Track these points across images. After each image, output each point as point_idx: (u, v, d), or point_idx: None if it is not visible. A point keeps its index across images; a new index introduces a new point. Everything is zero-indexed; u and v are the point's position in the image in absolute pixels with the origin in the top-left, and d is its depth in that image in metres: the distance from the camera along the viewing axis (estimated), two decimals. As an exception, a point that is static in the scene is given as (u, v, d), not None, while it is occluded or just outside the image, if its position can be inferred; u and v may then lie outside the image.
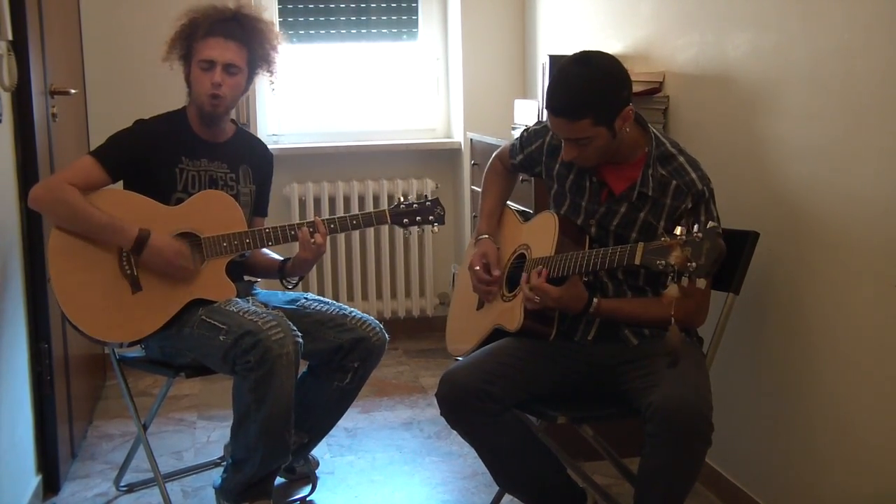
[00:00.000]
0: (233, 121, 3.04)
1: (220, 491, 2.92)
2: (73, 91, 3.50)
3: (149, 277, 2.78)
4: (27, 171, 3.00)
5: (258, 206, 3.09)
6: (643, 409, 2.31)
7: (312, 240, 2.86)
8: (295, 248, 2.89)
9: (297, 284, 3.07)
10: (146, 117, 2.94)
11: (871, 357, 2.41)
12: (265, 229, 2.87)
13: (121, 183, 2.91)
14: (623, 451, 2.92)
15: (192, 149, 2.92)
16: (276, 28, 3.04)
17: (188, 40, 2.89)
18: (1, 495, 2.67)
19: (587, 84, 2.40)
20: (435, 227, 3.06)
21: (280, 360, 2.62)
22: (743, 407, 2.93)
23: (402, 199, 3.03)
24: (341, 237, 4.72)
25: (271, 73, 3.00)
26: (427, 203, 3.02)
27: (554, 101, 2.43)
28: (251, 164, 3.04)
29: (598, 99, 2.40)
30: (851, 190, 2.43)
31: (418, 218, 3.01)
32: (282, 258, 3.05)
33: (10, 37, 2.80)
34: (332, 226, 2.89)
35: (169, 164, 2.87)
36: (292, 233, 2.87)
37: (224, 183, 2.95)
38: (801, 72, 2.60)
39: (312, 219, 2.90)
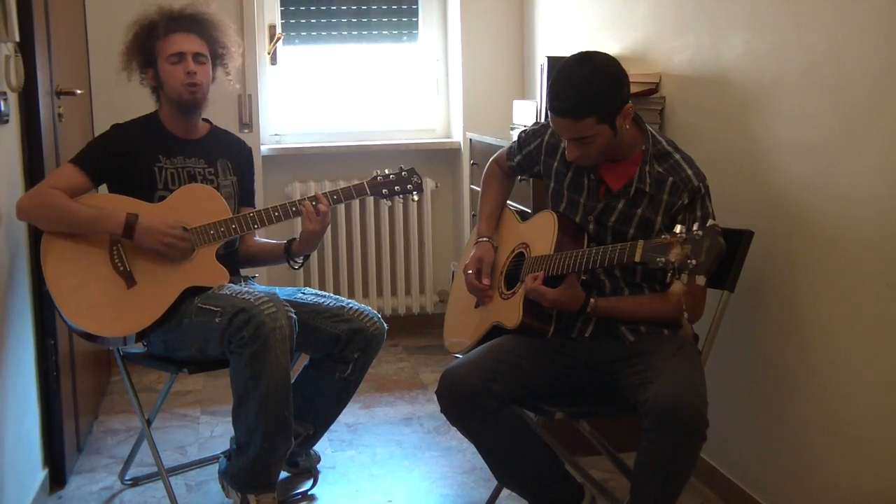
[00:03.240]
0: (206, 119, 3.09)
1: (225, 474, 2.92)
2: (78, 91, 3.50)
3: (142, 271, 2.80)
4: (34, 170, 3.00)
5: (243, 197, 3.12)
6: (639, 405, 2.32)
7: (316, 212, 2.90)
8: (283, 233, 2.92)
9: (303, 264, 3.09)
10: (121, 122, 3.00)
11: (863, 354, 2.42)
12: (250, 213, 2.90)
13: (105, 188, 2.96)
14: (619, 446, 2.93)
15: (168, 147, 2.96)
16: (227, 20, 3.10)
17: (148, 44, 2.95)
18: (9, 489, 2.67)
19: (589, 84, 2.41)
20: (414, 196, 3.08)
21: (274, 333, 2.64)
22: (737, 403, 2.94)
23: (378, 172, 3.05)
24: (344, 236, 4.72)
25: (226, 64, 3.07)
26: (403, 173, 3.05)
27: (558, 101, 2.43)
28: (229, 157, 3.08)
29: (601, 98, 2.41)
30: (845, 189, 2.44)
31: (396, 188, 3.03)
32: (285, 241, 3.07)
33: (17, 38, 2.80)
34: (314, 202, 2.91)
35: (147, 163, 2.92)
36: (276, 214, 2.89)
37: (203, 177, 2.98)
38: (795, 73, 2.60)
39: (309, 195, 2.96)
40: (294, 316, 2.73)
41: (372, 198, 3.04)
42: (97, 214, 2.78)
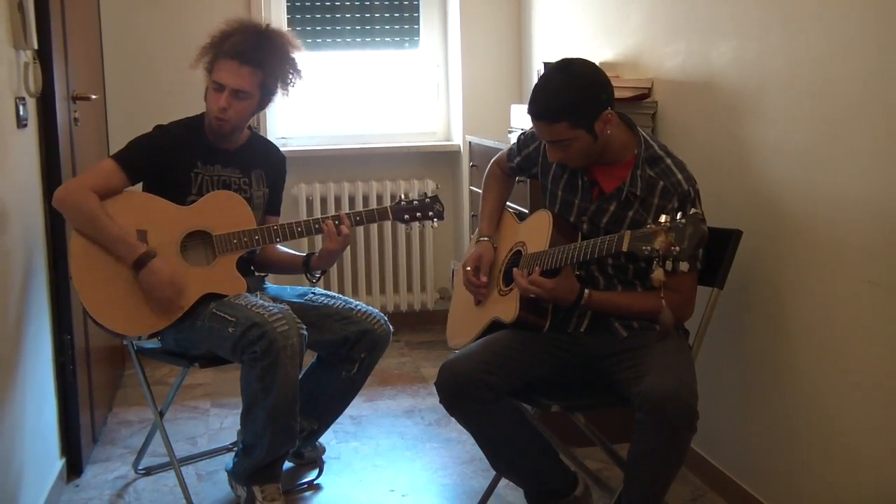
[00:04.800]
0: (249, 127, 3.04)
1: (232, 474, 2.95)
2: (93, 96, 3.52)
3: None
4: (51, 173, 3.02)
5: (271, 206, 3.10)
6: (632, 398, 2.33)
7: (337, 231, 2.89)
8: (301, 245, 2.91)
9: (320, 278, 3.09)
10: (165, 123, 2.96)
11: (846, 349, 2.43)
12: (273, 226, 2.89)
13: (140, 183, 2.94)
14: (613, 437, 2.94)
15: (207, 155, 2.93)
16: (298, 44, 2.99)
17: (213, 55, 2.89)
18: (28, 477, 2.69)
19: (564, 89, 2.43)
20: (434, 223, 3.06)
21: (285, 350, 2.64)
22: (726, 396, 2.95)
23: (402, 197, 3.04)
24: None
25: (286, 89, 2.99)
26: (427, 200, 3.04)
27: (533, 105, 2.47)
28: (264, 167, 3.05)
29: (573, 103, 2.42)
30: (829, 190, 2.45)
31: (418, 214, 3.02)
32: (304, 254, 3.07)
33: (35, 46, 2.82)
34: (337, 222, 2.91)
35: (185, 168, 2.90)
36: (298, 229, 2.89)
37: (238, 187, 2.97)
38: (781, 79, 2.62)
39: (333, 214, 2.93)
40: (305, 333, 2.72)
41: (392, 221, 3.02)
42: (119, 238, 2.76)
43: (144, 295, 2.77)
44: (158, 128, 2.95)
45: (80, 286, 2.78)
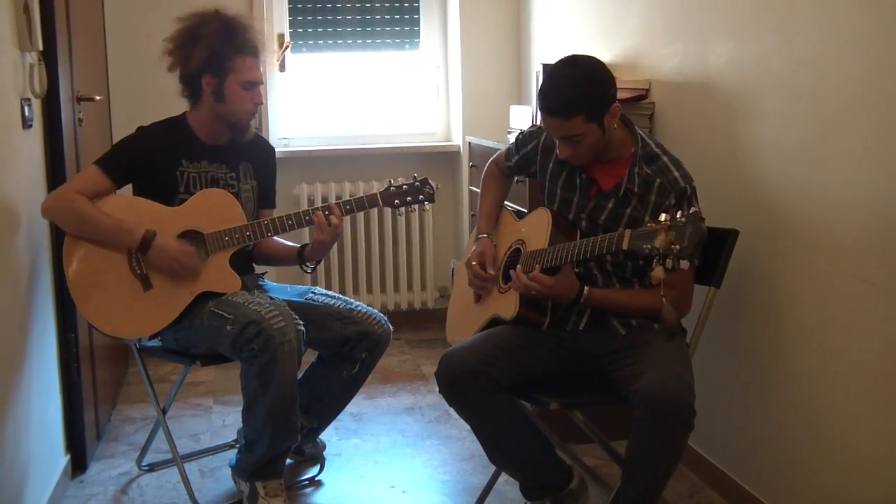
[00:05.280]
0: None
1: (235, 469, 2.95)
2: (98, 97, 3.53)
3: (158, 275, 2.79)
4: (56, 174, 3.02)
5: (263, 199, 3.09)
6: (630, 395, 2.34)
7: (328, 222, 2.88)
8: (302, 237, 2.89)
9: (314, 268, 3.08)
10: (146, 125, 2.95)
11: (842, 347, 2.44)
12: (264, 221, 2.87)
13: (130, 186, 2.93)
14: (611, 434, 2.93)
15: (192, 152, 2.92)
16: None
17: (220, 52, 2.84)
18: (34, 474, 2.70)
19: (577, 84, 2.43)
20: (426, 206, 3.03)
21: (282, 347, 2.64)
22: (723, 393, 2.96)
23: (391, 182, 3.01)
24: (348, 235, 4.74)
25: None
26: (416, 183, 3.00)
27: (548, 101, 2.45)
28: (251, 160, 3.04)
29: (588, 97, 2.43)
30: (824, 190, 2.46)
31: (408, 198, 2.99)
32: (299, 245, 3.07)
33: (40, 47, 2.82)
34: (327, 212, 2.89)
35: (170, 167, 2.88)
36: (289, 223, 2.87)
37: (225, 182, 2.95)
38: (777, 80, 2.62)
39: (322, 204, 2.91)
40: (302, 328, 2.72)
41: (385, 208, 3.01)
42: (116, 226, 2.76)
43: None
44: (140, 129, 2.94)
45: (75, 292, 2.78)
